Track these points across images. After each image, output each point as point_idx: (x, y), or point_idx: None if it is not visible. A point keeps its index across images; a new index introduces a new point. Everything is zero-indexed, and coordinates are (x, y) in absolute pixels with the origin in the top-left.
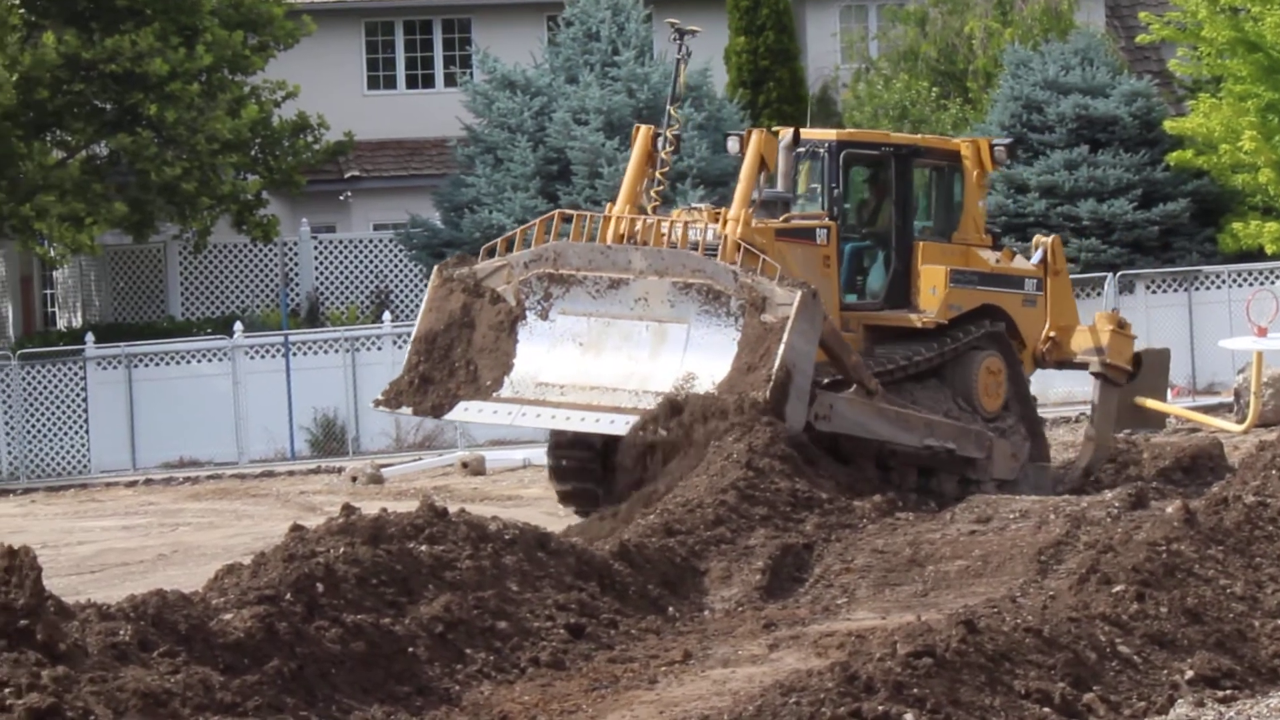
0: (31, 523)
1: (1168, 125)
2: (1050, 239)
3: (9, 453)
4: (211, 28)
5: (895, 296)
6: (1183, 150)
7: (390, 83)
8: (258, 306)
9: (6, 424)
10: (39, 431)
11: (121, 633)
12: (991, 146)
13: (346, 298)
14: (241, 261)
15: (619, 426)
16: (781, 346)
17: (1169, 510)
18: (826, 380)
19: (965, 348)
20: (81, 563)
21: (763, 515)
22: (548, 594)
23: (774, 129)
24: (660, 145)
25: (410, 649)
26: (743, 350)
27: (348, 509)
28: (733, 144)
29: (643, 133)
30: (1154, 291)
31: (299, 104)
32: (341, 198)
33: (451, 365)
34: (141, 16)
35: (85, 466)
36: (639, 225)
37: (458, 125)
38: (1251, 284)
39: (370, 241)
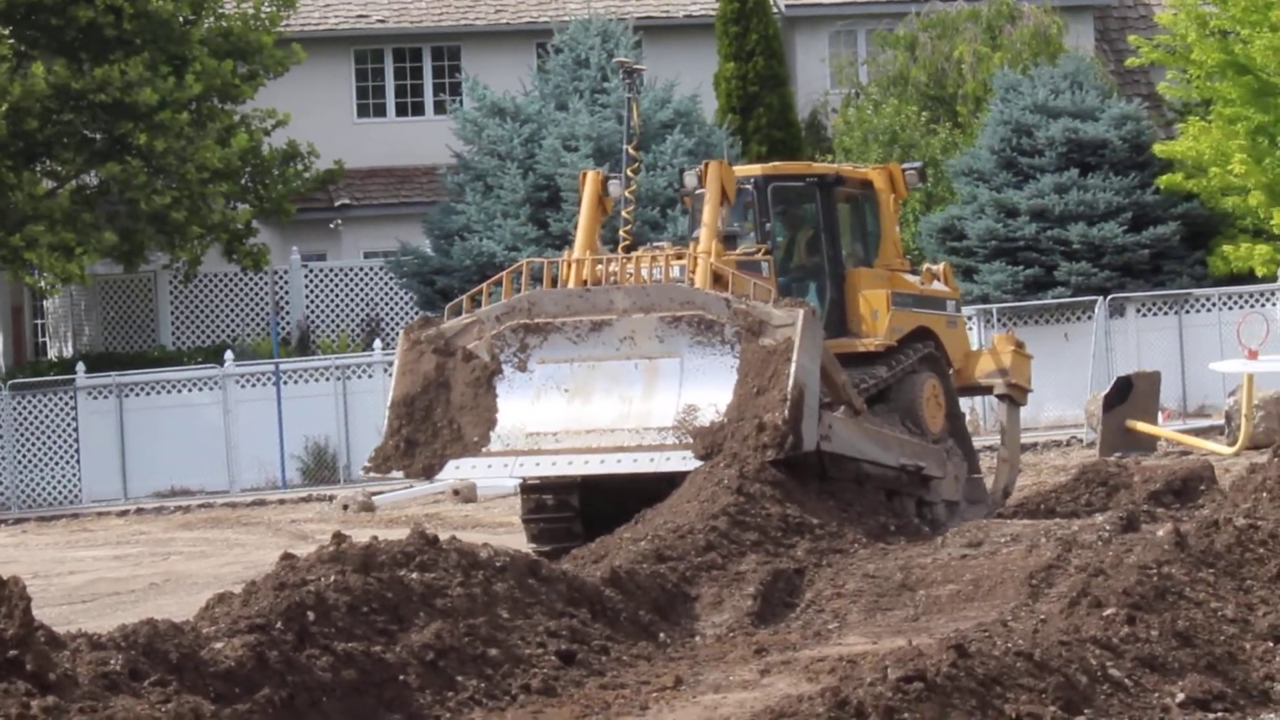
0: (23, 552)
1: (1157, 148)
2: (940, 265)
3: (0, 482)
4: (201, 57)
5: (833, 324)
6: (1173, 173)
7: (380, 110)
8: (248, 335)
9: None
10: (30, 461)
11: (112, 662)
12: (903, 171)
13: (337, 326)
14: (232, 290)
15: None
16: (792, 366)
17: (1160, 533)
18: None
19: (909, 369)
20: (73, 592)
21: (754, 541)
22: (539, 621)
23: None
24: (620, 186)
25: (401, 677)
26: (746, 375)
27: (338, 537)
28: (690, 178)
29: (590, 178)
30: (1144, 315)
31: (289, 132)
32: (332, 226)
33: (434, 426)
34: (131, 46)
35: (76, 496)
36: (614, 266)
37: (448, 153)
38: (1242, 307)
39: (361, 269)
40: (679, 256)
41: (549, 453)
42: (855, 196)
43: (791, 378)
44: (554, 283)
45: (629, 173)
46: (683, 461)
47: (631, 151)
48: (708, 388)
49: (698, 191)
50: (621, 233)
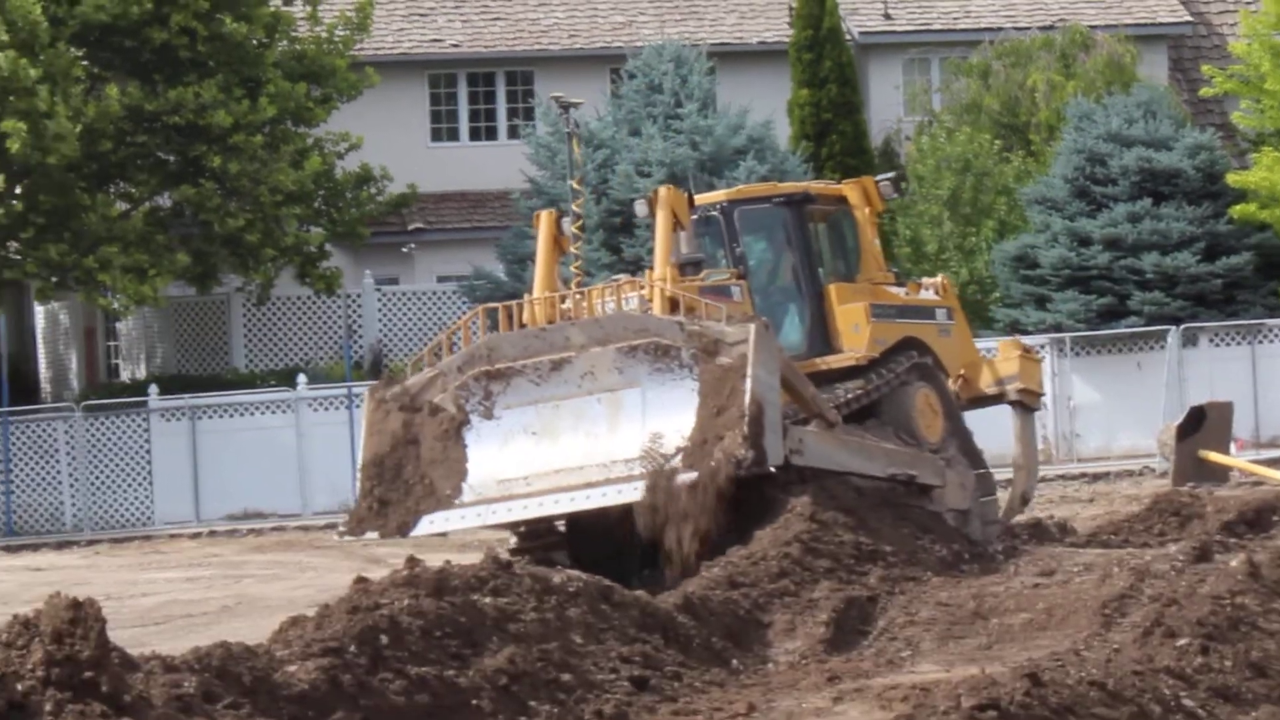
0: (95, 574)
1: (1231, 178)
2: (939, 278)
3: (73, 504)
4: (275, 80)
5: (816, 343)
6: (1246, 203)
7: (453, 135)
8: (321, 358)
9: (71, 476)
10: (103, 483)
11: (186, 684)
12: (877, 184)
13: (410, 350)
14: (305, 313)
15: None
16: (748, 381)
17: (1233, 564)
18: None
19: (898, 381)
20: (145, 614)
21: (826, 568)
22: (611, 646)
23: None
24: (568, 224)
25: (474, 701)
26: (706, 397)
27: (412, 561)
28: (640, 207)
29: (544, 217)
30: (1217, 345)
31: (362, 156)
32: (405, 250)
33: (406, 484)
34: (205, 68)
35: (149, 518)
36: (568, 303)
37: (521, 177)
38: None
39: (433, 293)
40: (637, 287)
41: (520, 497)
42: (829, 213)
43: (748, 393)
44: (510, 325)
45: (574, 207)
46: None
47: (576, 185)
48: (671, 414)
49: (649, 221)
50: (573, 269)
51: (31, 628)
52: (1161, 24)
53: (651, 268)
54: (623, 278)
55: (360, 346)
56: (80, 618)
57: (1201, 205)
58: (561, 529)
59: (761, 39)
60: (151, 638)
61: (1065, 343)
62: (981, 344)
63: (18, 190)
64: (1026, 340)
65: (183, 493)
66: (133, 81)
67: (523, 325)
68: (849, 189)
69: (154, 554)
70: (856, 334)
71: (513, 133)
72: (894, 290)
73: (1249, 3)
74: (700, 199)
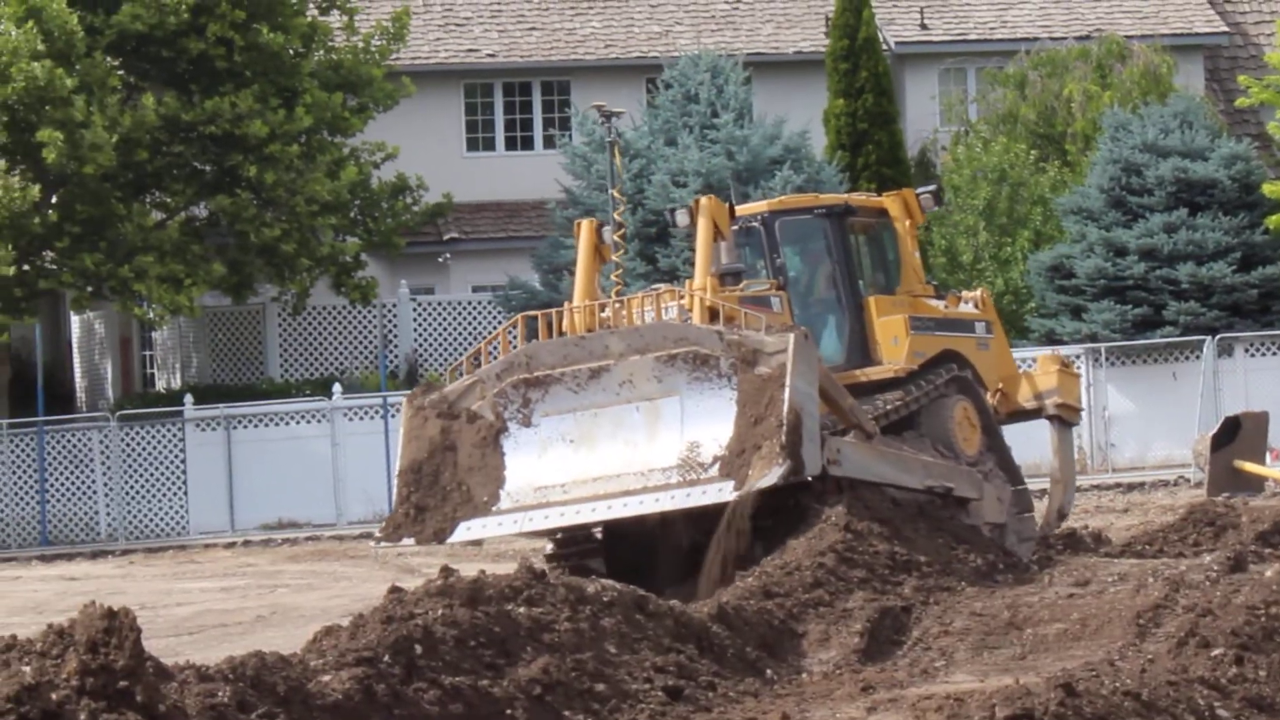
0: (130, 584)
1: (1267, 188)
2: (978, 291)
3: (108, 514)
4: (311, 89)
5: (855, 355)
6: None
7: (489, 144)
8: (356, 368)
9: (106, 485)
10: (138, 493)
11: (220, 694)
12: (918, 196)
13: (445, 359)
14: (340, 323)
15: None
16: (786, 390)
17: (1268, 574)
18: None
19: (937, 393)
20: (180, 624)
21: (861, 578)
22: (646, 656)
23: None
24: (609, 233)
25: (508, 711)
26: (744, 406)
27: (446, 571)
28: (681, 216)
29: (585, 227)
30: (1253, 355)
31: (398, 165)
32: (440, 259)
33: (443, 490)
34: (241, 78)
35: (184, 528)
36: (608, 311)
37: (556, 187)
38: None
39: (469, 303)
40: (677, 297)
41: (557, 504)
42: (870, 225)
43: (786, 403)
44: (550, 334)
45: (615, 216)
46: (686, 498)
47: (616, 195)
48: (709, 423)
49: (688, 230)
50: (613, 277)
51: (66, 637)
52: (1198, 34)
53: (690, 277)
54: (662, 287)
55: (395, 356)
56: (115, 627)
57: (1237, 215)
58: (598, 536)
59: (798, 49)
60: (186, 647)
61: (1100, 353)
62: (1018, 354)
63: (54, 200)
64: (1062, 350)
65: (217, 502)
66: (169, 91)
67: (562, 333)
68: (890, 201)
69: (189, 564)
70: (895, 346)
71: (548, 142)
72: (933, 303)
73: None
74: (741, 209)
